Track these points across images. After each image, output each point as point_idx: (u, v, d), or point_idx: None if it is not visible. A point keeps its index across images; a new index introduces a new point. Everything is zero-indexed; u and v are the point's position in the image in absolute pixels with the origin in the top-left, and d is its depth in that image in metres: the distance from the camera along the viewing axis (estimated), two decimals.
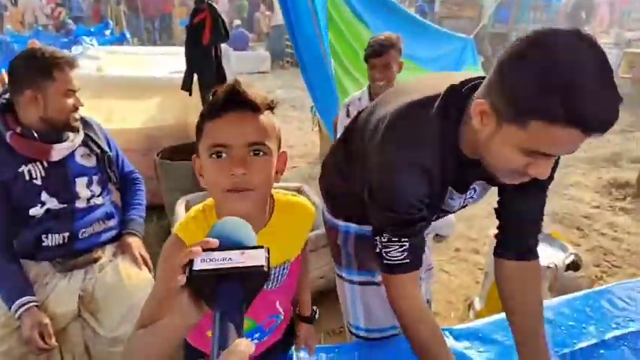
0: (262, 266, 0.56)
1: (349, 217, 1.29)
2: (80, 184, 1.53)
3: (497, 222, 1.20)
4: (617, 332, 1.38)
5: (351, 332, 1.43)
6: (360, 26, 3.34)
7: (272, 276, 1.01)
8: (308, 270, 1.29)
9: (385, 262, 1.01)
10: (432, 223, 1.71)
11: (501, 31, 7.59)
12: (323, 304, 2.22)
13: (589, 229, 3.18)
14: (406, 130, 0.97)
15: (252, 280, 0.57)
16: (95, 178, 1.58)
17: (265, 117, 0.86)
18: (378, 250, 1.02)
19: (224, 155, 0.82)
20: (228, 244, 0.60)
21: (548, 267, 1.85)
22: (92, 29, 6.94)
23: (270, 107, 0.88)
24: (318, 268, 2.31)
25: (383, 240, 1.00)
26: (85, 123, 1.60)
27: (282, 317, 1.11)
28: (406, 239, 0.98)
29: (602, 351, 1.32)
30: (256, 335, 1.05)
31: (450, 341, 1.30)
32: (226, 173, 0.81)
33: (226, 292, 0.56)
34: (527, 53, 0.76)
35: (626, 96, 6.39)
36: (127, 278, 1.53)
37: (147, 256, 1.65)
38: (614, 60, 7.68)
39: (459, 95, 0.95)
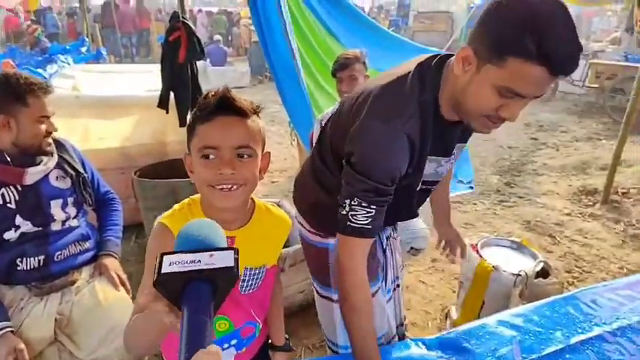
0: (232, 267, 0.57)
1: None
2: (55, 206, 1.53)
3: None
4: (582, 336, 1.42)
5: (336, 352, 1.48)
6: (331, 41, 3.39)
7: (248, 277, 1.06)
8: (282, 298, 1.31)
9: (349, 224, 1.08)
10: (407, 236, 1.76)
11: None
12: (303, 318, 2.25)
13: (560, 235, 3.28)
14: (388, 103, 1.09)
15: (221, 281, 0.58)
16: (70, 199, 1.58)
17: (252, 121, 0.95)
18: (344, 212, 1.09)
19: (213, 156, 0.91)
20: (197, 245, 0.60)
21: (519, 275, 1.91)
22: (67, 46, 6.85)
23: (256, 112, 0.97)
24: (298, 283, 2.33)
25: (353, 203, 1.08)
26: (59, 145, 1.61)
27: (260, 327, 1.13)
28: (374, 207, 1.07)
29: (568, 355, 1.36)
30: (233, 342, 1.08)
31: (423, 351, 1.33)
32: (215, 172, 0.90)
33: (194, 293, 0.56)
34: (509, 3, 0.90)
35: (593, 105, 6.68)
36: (104, 300, 1.53)
37: (124, 277, 1.66)
38: (581, 70, 7.96)
39: (429, 66, 1.10)
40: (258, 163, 0.97)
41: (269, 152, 1.03)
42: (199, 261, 0.57)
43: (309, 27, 3.24)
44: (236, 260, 0.58)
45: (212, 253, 0.58)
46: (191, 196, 1.05)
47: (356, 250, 1.12)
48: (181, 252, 0.58)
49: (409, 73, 1.10)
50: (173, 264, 0.56)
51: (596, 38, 12.21)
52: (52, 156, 1.54)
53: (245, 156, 0.93)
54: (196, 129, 0.93)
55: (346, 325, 1.15)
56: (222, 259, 0.58)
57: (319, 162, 1.34)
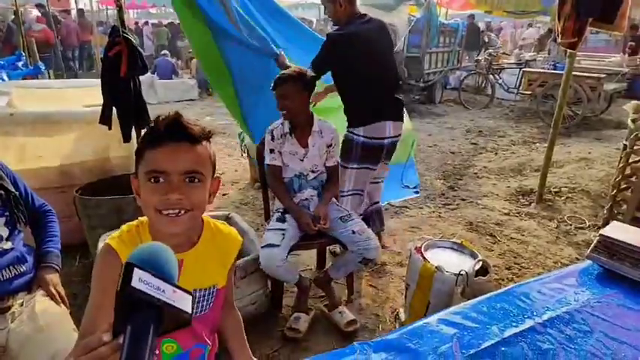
0: (188, 314, 0.57)
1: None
2: None
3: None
4: (516, 329, 1.50)
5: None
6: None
7: (198, 299, 1.05)
8: (242, 327, 1.31)
9: None
10: (359, 247, 1.91)
11: (415, 55, 8.11)
12: (255, 329, 2.26)
13: (500, 235, 3.46)
14: None
15: (171, 321, 0.57)
16: (1, 220, 1.51)
17: (202, 147, 0.94)
18: None
19: (161, 180, 0.90)
20: (161, 272, 0.58)
21: (460, 274, 2.00)
22: (2, 61, 6.51)
23: (207, 137, 0.97)
24: (249, 295, 2.33)
25: None
26: None
27: (209, 349, 1.13)
28: None
29: (503, 348, 1.44)
30: None
31: (369, 355, 1.37)
32: (162, 197, 0.89)
33: (142, 322, 0.54)
34: None
35: (528, 111, 7.09)
36: (45, 325, 1.46)
37: (63, 292, 1.60)
38: (515, 79, 8.47)
39: None
40: (207, 189, 0.97)
41: (219, 177, 1.04)
42: (164, 291, 0.55)
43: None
44: (192, 307, 0.58)
45: (175, 289, 0.57)
46: (139, 218, 1.03)
47: None
48: (149, 272, 0.56)
49: None
50: (142, 282, 0.54)
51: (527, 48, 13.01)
52: None
53: (195, 180, 0.92)
54: (145, 153, 0.92)
55: None
56: (182, 302, 0.57)
57: None
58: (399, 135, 2.80)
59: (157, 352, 1.01)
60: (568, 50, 3.58)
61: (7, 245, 1.52)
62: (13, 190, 1.58)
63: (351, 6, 2.65)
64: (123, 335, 0.54)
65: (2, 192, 1.54)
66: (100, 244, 2.27)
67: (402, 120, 2.81)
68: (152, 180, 0.90)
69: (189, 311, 0.57)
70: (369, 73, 2.63)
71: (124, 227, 1.02)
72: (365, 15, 2.72)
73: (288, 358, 2.18)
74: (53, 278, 1.60)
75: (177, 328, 0.58)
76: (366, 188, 2.85)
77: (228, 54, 3.13)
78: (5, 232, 1.52)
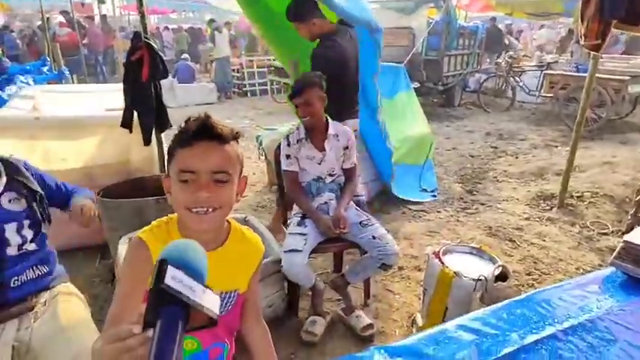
0: (216, 315, 0.58)
1: None
2: (10, 230, 1.48)
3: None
4: (536, 337, 1.48)
5: None
6: None
7: (221, 301, 1.06)
8: (271, 342, 1.31)
9: None
10: (378, 253, 1.92)
11: (434, 58, 8.05)
12: (271, 332, 2.25)
13: (520, 240, 3.40)
14: None
15: (199, 319, 0.58)
16: (26, 222, 1.53)
17: (230, 147, 0.98)
18: None
19: (191, 179, 0.94)
20: (192, 271, 0.59)
21: (479, 279, 1.97)
22: (28, 66, 6.70)
23: (235, 138, 1.00)
24: (267, 297, 2.34)
25: None
26: (9, 165, 1.55)
27: (228, 348, 1.15)
28: None
29: (523, 355, 1.42)
30: None
31: (386, 359, 1.36)
32: (191, 195, 0.93)
33: (172, 319, 0.55)
34: None
35: (549, 114, 6.96)
36: (67, 325, 1.49)
37: (96, 212, 1.69)
38: (536, 81, 8.33)
39: None
40: (235, 188, 1.01)
41: (246, 177, 1.07)
42: (195, 291, 0.57)
43: None
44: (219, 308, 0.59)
45: (205, 290, 0.58)
46: (169, 215, 1.07)
47: None
48: (182, 270, 0.57)
49: None
50: (174, 279, 0.55)
51: (548, 50, 12.81)
52: (0, 177, 1.50)
53: (222, 180, 0.96)
54: (176, 153, 0.97)
55: None
56: (211, 303, 0.58)
57: None
58: (356, 131, 3.07)
59: None
60: (591, 52, 3.51)
61: (32, 247, 1.55)
62: (39, 189, 1.60)
63: (323, 22, 2.91)
64: (153, 330, 0.55)
65: (27, 192, 1.56)
66: (121, 246, 2.32)
67: (357, 117, 3.17)
68: (182, 179, 0.94)
69: (217, 312, 0.58)
70: (345, 80, 2.94)
71: (154, 222, 1.06)
72: (338, 26, 2.95)
73: None
74: (87, 203, 1.68)
75: (203, 328, 0.60)
76: None
77: None
78: (30, 234, 1.55)
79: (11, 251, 1.49)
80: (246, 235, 1.15)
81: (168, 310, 0.55)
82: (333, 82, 2.72)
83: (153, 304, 0.56)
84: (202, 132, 0.95)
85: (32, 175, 1.63)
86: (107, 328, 0.90)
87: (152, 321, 0.56)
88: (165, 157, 3.16)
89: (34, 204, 1.57)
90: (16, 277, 1.48)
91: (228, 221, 1.11)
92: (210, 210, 0.95)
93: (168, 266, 0.56)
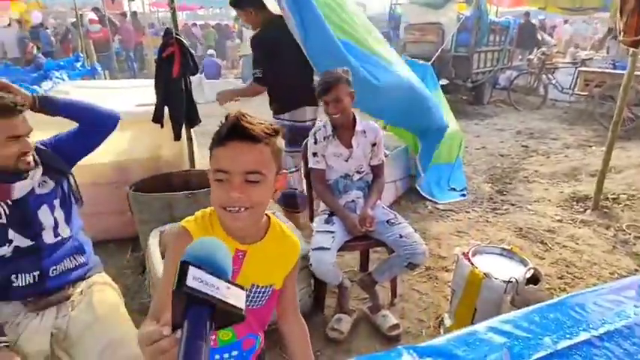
0: (241, 310, 0.58)
1: None
2: (43, 213, 1.53)
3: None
4: (570, 342, 1.45)
5: None
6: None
7: (253, 294, 1.09)
8: (308, 340, 1.30)
9: None
10: (405, 252, 1.93)
11: (463, 54, 7.89)
12: None
13: (552, 242, 3.31)
14: None
15: (226, 316, 0.58)
16: (56, 202, 1.57)
17: (263, 146, 0.97)
18: None
19: (224, 179, 0.95)
20: (216, 269, 0.59)
21: (509, 281, 1.94)
22: (62, 62, 6.91)
23: (270, 135, 0.99)
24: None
25: None
26: (41, 153, 1.58)
27: (261, 340, 1.17)
28: None
29: None
30: (234, 353, 1.10)
31: (415, 359, 1.35)
32: (224, 194, 0.95)
33: (198, 317, 0.56)
34: None
35: (583, 112, 6.75)
36: (102, 315, 1.53)
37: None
38: (569, 79, 8.08)
39: None
40: (269, 187, 1.01)
41: (285, 173, 1.07)
42: (218, 288, 0.57)
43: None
44: (245, 302, 0.59)
45: (229, 285, 0.59)
46: (211, 207, 1.09)
47: None
48: (204, 269, 0.57)
49: None
50: (196, 279, 0.56)
51: (583, 45, 12.41)
52: (37, 168, 1.54)
53: (254, 180, 0.96)
54: (213, 151, 0.98)
55: None
56: (236, 297, 0.58)
57: None
58: (316, 118, 3.21)
59: (214, 337, 1.06)
60: (630, 49, 3.38)
61: (66, 233, 1.59)
62: (66, 170, 1.64)
63: (262, 12, 2.99)
64: (180, 330, 0.56)
65: (57, 175, 1.59)
66: (151, 239, 2.36)
67: (317, 105, 3.14)
68: (217, 178, 0.96)
69: (243, 307, 0.58)
70: (288, 67, 3.00)
71: (198, 213, 1.09)
72: (278, 18, 2.95)
73: (330, 358, 2.18)
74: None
75: (231, 324, 0.60)
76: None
77: None
78: (62, 215, 1.58)
79: (48, 238, 1.54)
80: (285, 233, 1.15)
81: (193, 310, 0.56)
82: (269, 65, 2.96)
83: (178, 306, 0.57)
84: (234, 132, 0.95)
85: (53, 150, 1.65)
86: (151, 314, 0.95)
87: (179, 322, 0.57)
88: (195, 152, 3.22)
89: (63, 183, 1.62)
90: (54, 267, 1.53)
91: (268, 216, 1.12)
92: (242, 209, 0.96)
93: (190, 267, 0.56)
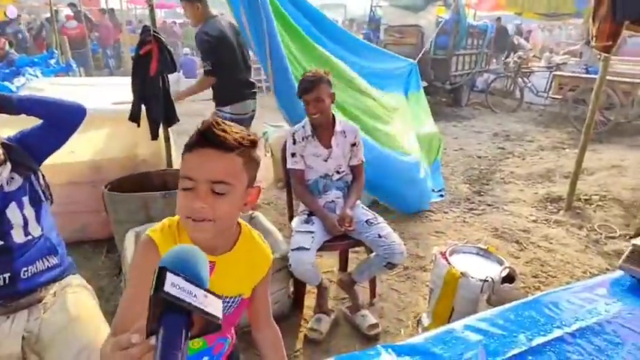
0: (218, 319, 0.57)
1: None
2: (11, 211, 1.48)
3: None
4: (544, 339, 1.48)
5: None
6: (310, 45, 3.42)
7: (223, 304, 1.06)
8: (282, 347, 1.28)
9: None
10: (384, 252, 1.93)
11: (442, 57, 8.01)
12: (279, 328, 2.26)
13: (527, 242, 3.37)
14: None
15: (203, 324, 0.58)
16: (25, 199, 1.52)
17: (235, 155, 0.90)
18: None
19: (191, 187, 0.89)
20: (193, 277, 0.59)
21: (486, 280, 1.97)
22: (36, 59, 6.73)
23: (244, 145, 0.91)
24: (272, 294, 2.34)
25: None
26: (9, 149, 1.54)
27: (230, 341, 1.16)
28: None
29: (530, 357, 1.41)
30: (205, 359, 1.09)
31: (393, 358, 1.36)
32: (188, 203, 0.88)
33: (174, 325, 0.55)
34: None
35: (558, 115, 6.91)
36: (76, 317, 1.49)
37: None
38: (544, 82, 8.27)
39: None
40: (238, 200, 0.93)
41: (259, 187, 1.00)
42: (195, 296, 0.56)
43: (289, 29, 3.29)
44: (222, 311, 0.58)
45: (206, 294, 0.57)
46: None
47: None
48: (181, 276, 0.56)
49: None
50: (174, 286, 0.54)
51: (557, 50, 12.72)
52: (5, 164, 1.50)
53: (220, 192, 0.89)
54: (183, 157, 0.92)
55: None
56: (213, 307, 0.57)
57: None
58: (255, 110, 3.48)
59: None
60: (602, 54, 3.47)
61: (37, 232, 1.54)
62: (35, 166, 1.58)
63: (205, 8, 3.22)
64: (156, 337, 0.55)
65: (26, 171, 1.54)
66: (127, 240, 2.32)
67: (256, 98, 3.45)
68: (182, 185, 0.90)
69: (220, 316, 0.57)
70: (232, 62, 3.25)
71: (165, 221, 1.02)
72: (215, 15, 3.29)
73: (310, 359, 2.18)
74: None
75: (207, 333, 0.59)
76: None
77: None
78: (31, 213, 1.53)
79: (17, 238, 1.49)
80: (256, 241, 1.11)
81: (170, 317, 0.55)
82: (215, 58, 3.13)
83: (154, 312, 0.55)
84: (205, 138, 0.88)
85: (19, 145, 1.60)
86: (114, 327, 0.88)
87: (155, 329, 0.55)
88: (172, 151, 3.18)
89: (32, 179, 1.57)
90: (25, 268, 1.49)
91: (239, 224, 1.07)
92: (206, 221, 0.89)
93: (168, 273, 0.55)
